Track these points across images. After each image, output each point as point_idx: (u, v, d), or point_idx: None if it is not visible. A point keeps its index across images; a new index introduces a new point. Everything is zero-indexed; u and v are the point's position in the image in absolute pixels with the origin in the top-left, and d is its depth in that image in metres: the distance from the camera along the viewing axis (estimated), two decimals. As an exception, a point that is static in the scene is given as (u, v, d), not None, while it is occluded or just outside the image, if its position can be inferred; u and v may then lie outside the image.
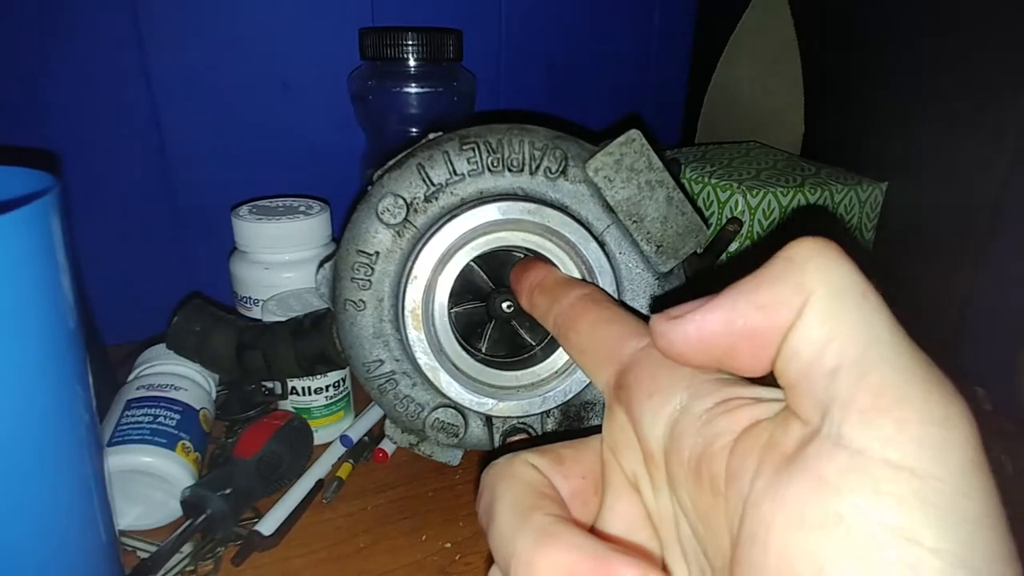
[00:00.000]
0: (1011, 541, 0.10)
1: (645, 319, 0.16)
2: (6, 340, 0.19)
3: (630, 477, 0.15)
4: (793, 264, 0.12)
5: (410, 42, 0.46)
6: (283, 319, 0.36)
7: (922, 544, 0.09)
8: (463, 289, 0.29)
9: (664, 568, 0.14)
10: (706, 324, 0.13)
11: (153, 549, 0.31)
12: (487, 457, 0.17)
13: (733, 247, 0.42)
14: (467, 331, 0.30)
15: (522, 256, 0.29)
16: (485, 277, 0.30)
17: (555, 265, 0.27)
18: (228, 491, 0.32)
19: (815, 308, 0.11)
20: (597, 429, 0.16)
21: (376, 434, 0.41)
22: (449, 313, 0.28)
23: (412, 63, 0.47)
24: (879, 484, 0.10)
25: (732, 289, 0.13)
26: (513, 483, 0.15)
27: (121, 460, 0.31)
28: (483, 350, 0.30)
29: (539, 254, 0.28)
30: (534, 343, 0.30)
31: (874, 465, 0.10)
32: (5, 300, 0.19)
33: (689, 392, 0.13)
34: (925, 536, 0.09)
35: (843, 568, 0.09)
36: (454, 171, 0.28)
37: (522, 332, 0.30)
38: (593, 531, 0.15)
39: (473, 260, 0.28)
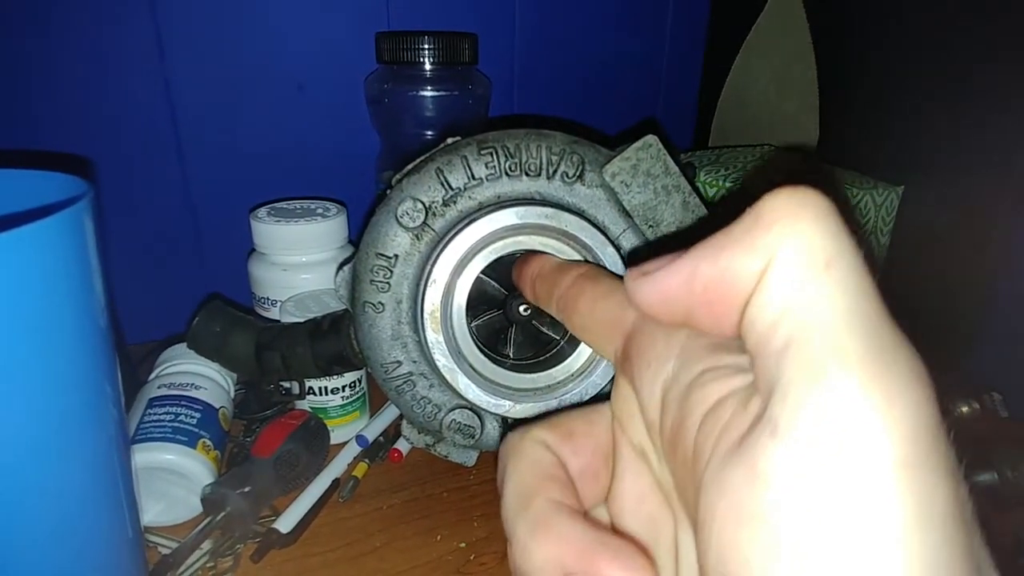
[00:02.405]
0: (958, 547, 0.09)
1: None
2: (40, 339, 0.19)
3: (636, 448, 0.15)
4: (760, 223, 0.11)
5: (426, 46, 0.46)
6: (301, 320, 0.36)
7: (837, 556, 0.09)
8: (479, 301, 0.30)
9: (651, 557, 0.14)
10: (666, 285, 0.12)
11: (174, 545, 0.31)
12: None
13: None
14: (491, 340, 0.30)
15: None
16: (497, 286, 0.30)
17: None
18: (247, 489, 0.32)
19: (774, 278, 0.10)
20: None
21: (391, 434, 0.42)
22: (468, 318, 0.29)
23: (428, 67, 0.47)
24: (804, 486, 0.09)
25: (698, 248, 0.12)
26: (520, 462, 0.15)
27: (144, 457, 0.32)
28: (511, 355, 0.30)
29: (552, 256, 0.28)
30: (558, 337, 0.30)
31: (802, 463, 0.09)
32: (40, 301, 0.19)
33: (680, 360, 0.13)
34: (842, 547, 0.09)
35: (767, 568, 0.09)
36: (472, 175, 0.28)
37: (544, 329, 0.30)
38: (606, 503, 0.15)
39: (482, 272, 0.28)
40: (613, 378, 0.16)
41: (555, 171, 0.29)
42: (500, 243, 0.28)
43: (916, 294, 0.48)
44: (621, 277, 0.17)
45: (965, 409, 0.32)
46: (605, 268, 0.19)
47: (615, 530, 0.15)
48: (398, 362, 0.30)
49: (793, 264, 0.10)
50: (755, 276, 0.11)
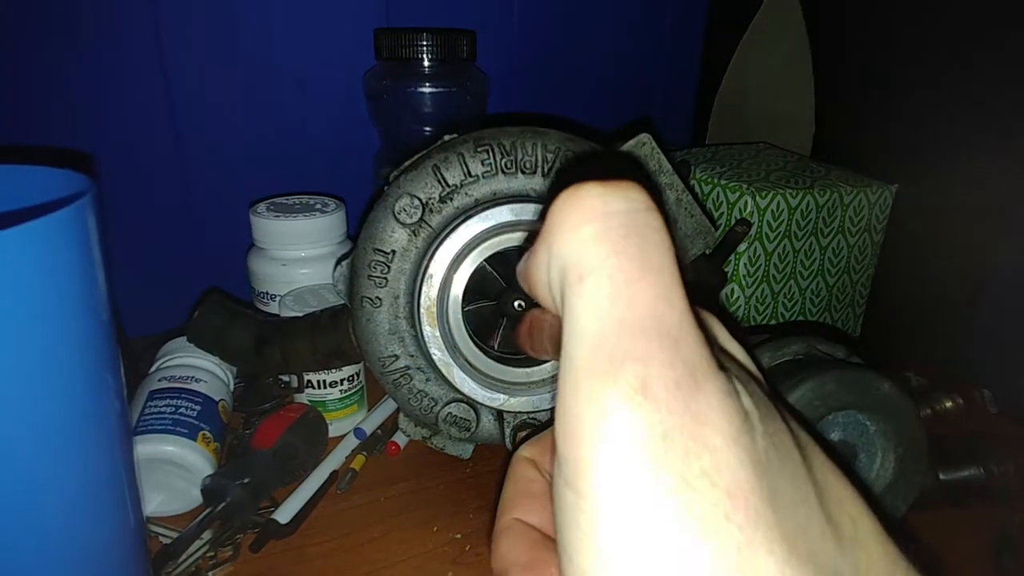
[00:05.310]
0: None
1: None
2: (44, 333, 0.20)
3: None
4: (544, 229, 0.12)
5: (424, 42, 0.46)
6: (300, 314, 0.37)
7: None
8: (475, 287, 0.30)
9: None
10: (520, 273, 0.14)
11: (175, 535, 0.32)
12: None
13: (742, 248, 0.42)
14: (480, 328, 0.30)
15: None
16: (498, 277, 0.30)
17: None
18: (246, 480, 0.33)
19: (552, 291, 0.12)
20: None
21: (389, 427, 0.42)
22: (463, 311, 0.29)
23: (426, 63, 0.47)
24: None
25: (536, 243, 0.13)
26: (508, 478, 0.17)
27: (145, 449, 0.32)
28: (495, 347, 0.31)
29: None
30: None
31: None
32: (44, 296, 0.20)
33: None
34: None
35: None
36: (468, 173, 0.29)
37: None
38: None
39: (486, 260, 0.28)
40: None
41: (550, 168, 0.29)
42: (496, 239, 0.28)
43: (909, 291, 0.49)
44: None
45: (949, 404, 0.32)
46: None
47: None
48: (395, 356, 0.31)
49: (556, 279, 0.11)
50: (546, 285, 0.12)
